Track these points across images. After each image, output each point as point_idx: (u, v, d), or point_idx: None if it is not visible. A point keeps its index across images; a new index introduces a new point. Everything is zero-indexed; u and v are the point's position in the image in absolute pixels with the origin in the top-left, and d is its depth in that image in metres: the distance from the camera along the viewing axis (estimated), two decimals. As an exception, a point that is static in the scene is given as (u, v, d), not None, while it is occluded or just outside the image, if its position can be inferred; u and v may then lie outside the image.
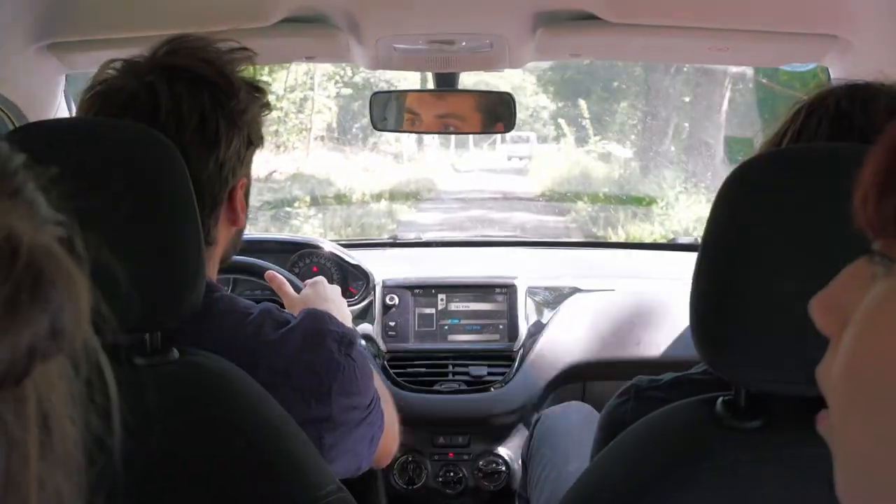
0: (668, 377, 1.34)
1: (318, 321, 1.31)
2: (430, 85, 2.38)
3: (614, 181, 16.08)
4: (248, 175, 1.38)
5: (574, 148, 21.35)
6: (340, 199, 14.78)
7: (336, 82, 19.14)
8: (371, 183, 17.26)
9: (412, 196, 17.58)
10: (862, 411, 0.54)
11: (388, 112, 2.43)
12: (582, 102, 19.98)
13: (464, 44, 2.05)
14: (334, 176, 16.16)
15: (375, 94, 2.40)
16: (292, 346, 1.26)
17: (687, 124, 14.13)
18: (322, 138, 19.50)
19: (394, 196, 16.11)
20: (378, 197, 15.35)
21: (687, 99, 14.13)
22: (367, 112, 2.42)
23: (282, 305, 1.91)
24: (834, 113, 1.24)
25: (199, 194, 1.26)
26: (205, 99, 1.26)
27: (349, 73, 18.65)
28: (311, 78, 16.94)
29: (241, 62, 1.32)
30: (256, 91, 1.35)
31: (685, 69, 12.81)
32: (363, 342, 2.47)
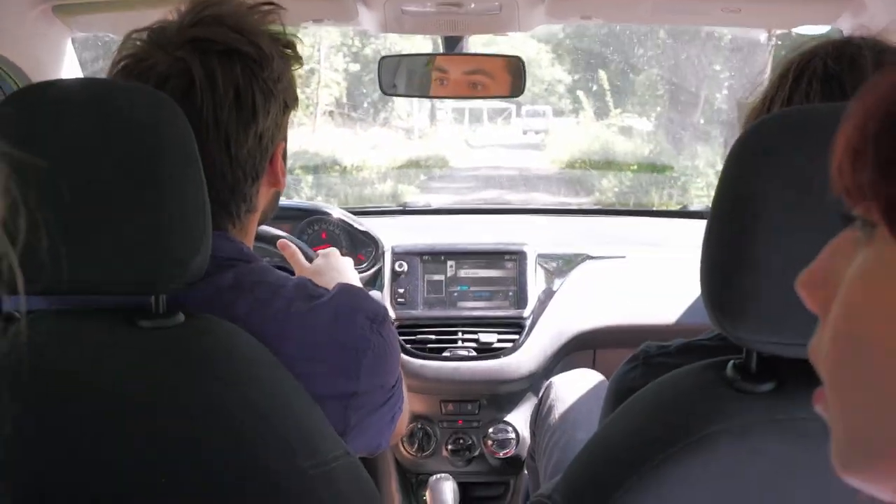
0: (677, 343, 1.33)
1: (351, 296, 1.29)
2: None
3: (643, 157, 15.05)
4: (285, 137, 1.37)
5: (593, 121, 20.57)
6: (344, 177, 14.44)
7: (344, 55, 18.79)
8: (380, 160, 16.62)
9: (423, 167, 17.02)
10: (851, 381, 0.54)
11: (398, 77, 2.42)
12: (602, 73, 19.19)
13: (472, 6, 2.03)
14: (340, 153, 15.70)
15: (384, 58, 2.38)
16: (323, 320, 1.24)
17: (719, 94, 13.68)
18: (330, 114, 19.22)
19: (402, 173, 15.45)
20: (384, 176, 14.79)
21: (717, 67, 13.71)
22: (377, 87, 2.40)
23: (292, 273, 1.90)
24: (822, 75, 1.22)
25: (241, 169, 1.27)
26: (238, 71, 1.23)
27: (357, 44, 18.32)
28: (318, 51, 16.59)
29: (267, 17, 1.29)
30: (286, 48, 1.32)
31: (715, 34, 12.50)
32: None
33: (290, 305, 1.23)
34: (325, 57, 17.77)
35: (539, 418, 2.15)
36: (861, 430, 0.53)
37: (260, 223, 1.42)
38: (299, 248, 1.92)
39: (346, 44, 18.12)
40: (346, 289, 1.30)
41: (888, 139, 0.50)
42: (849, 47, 1.24)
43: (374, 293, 2.56)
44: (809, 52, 1.26)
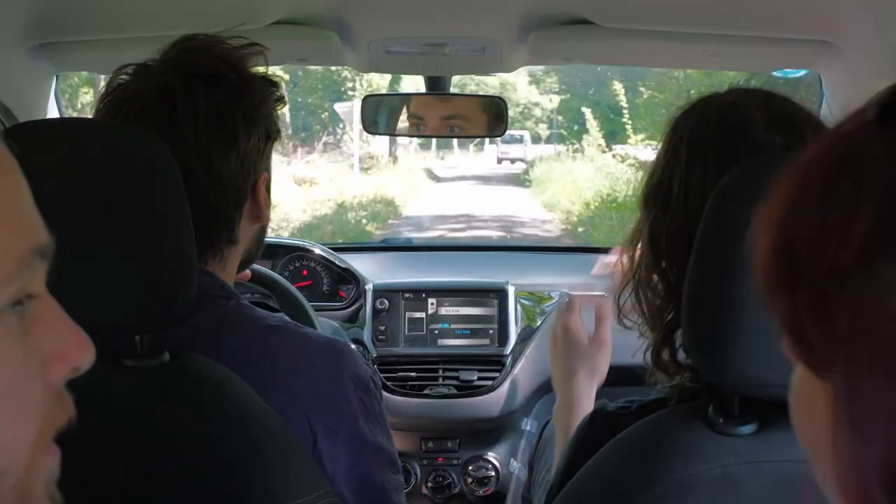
0: (634, 403, 1.32)
1: (339, 355, 1.29)
2: (408, 85, 2.39)
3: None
4: (268, 168, 1.38)
5: (599, 151, 16.99)
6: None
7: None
8: (298, 205, 13.36)
9: (354, 222, 13.01)
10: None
11: (380, 116, 2.43)
12: (617, 86, 16.86)
13: (456, 47, 2.05)
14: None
15: (367, 97, 2.41)
16: (309, 374, 1.24)
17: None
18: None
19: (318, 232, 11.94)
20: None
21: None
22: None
23: (270, 308, 1.90)
24: (714, 152, 1.19)
25: (222, 191, 1.27)
26: (220, 96, 1.26)
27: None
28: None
29: (253, 58, 1.32)
30: (271, 85, 1.35)
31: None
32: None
33: (276, 354, 1.23)
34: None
35: (537, 453, 2.15)
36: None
37: (246, 262, 1.42)
38: (270, 278, 1.93)
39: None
40: (337, 347, 1.30)
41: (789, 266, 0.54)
42: (735, 114, 1.20)
43: (355, 330, 2.56)
44: (697, 123, 1.23)
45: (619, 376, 1.47)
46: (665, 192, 1.23)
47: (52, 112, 2.10)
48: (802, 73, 2.10)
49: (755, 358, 0.95)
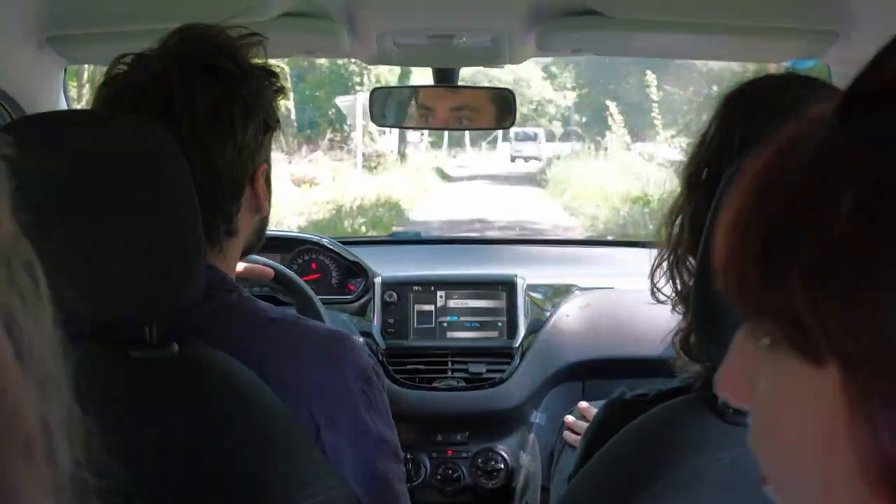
0: (653, 390, 1.32)
1: (342, 347, 1.28)
2: (418, 79, 2.39)
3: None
4: (267, 160, 1.37)
5: (622, 149, 15.88)
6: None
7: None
8: (292, 211, 12.18)
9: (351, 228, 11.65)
10: (775, 481, 0.58)
11: (388, 108, 2.44)
12: (650, 76, 15.32)
13: (464, 39, 2.05)
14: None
15: (376, 89, 2.42)
16: (311, 367, 1.24)
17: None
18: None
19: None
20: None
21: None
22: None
23: (279, 301, 1.90)
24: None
25: (220, 182, 1.26)
26: (217, 86, 1.25)
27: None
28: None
29: (252, 48, 1.31)
30: (270, 75, 1.34)
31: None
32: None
33: (276, 346, 1.23)
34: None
35: (557, 444, 2.15)
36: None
37: (245, 254, 1.42)
38: (289, 278, 1.92)
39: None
40: (339, 337, 1.30)
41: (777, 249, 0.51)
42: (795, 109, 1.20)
43: (364, 323, 2.56)
44: (752, 115, 1.22)
45: (645, 369, 1.46)
46: (715, 177, 1.22)
47: (60, 105, 2.10)
48: (811, 63, 2.10)
49: None
